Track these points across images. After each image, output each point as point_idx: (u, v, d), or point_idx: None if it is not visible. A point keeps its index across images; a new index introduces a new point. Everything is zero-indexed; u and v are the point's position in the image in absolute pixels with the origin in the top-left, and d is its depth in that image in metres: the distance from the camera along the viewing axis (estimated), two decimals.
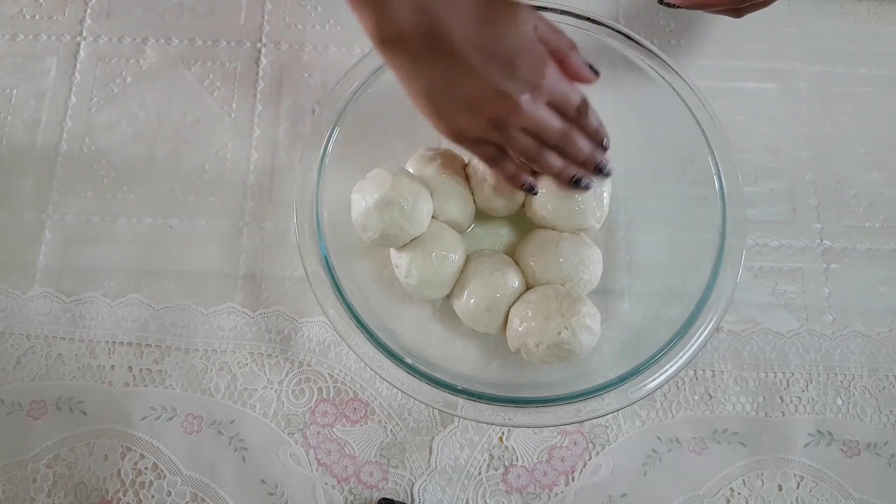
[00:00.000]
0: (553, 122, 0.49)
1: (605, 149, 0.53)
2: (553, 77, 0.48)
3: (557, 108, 0.49)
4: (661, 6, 0.63)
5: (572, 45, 0.49)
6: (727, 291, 0.52)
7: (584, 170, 0.53)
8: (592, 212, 0.56)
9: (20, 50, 0.66)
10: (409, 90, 0.47)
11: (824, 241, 0.62)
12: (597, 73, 0.51)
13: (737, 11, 0.60)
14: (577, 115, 0.50)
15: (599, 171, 0.53)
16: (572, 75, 0.50)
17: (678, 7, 0.61)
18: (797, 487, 0.55)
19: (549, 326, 0.51)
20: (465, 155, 0.59)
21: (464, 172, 0.57)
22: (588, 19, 0.58)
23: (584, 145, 0.52)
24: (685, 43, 0.67)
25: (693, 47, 0.67)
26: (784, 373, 0.58)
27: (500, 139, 0.49)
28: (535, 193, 0.55)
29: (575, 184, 0.53)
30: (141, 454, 0.55)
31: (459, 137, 0.49)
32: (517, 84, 0.46)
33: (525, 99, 0.47)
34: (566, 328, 0.51)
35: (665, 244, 0.60)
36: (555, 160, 0.51)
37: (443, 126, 0.48)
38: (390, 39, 0.45)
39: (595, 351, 0.53)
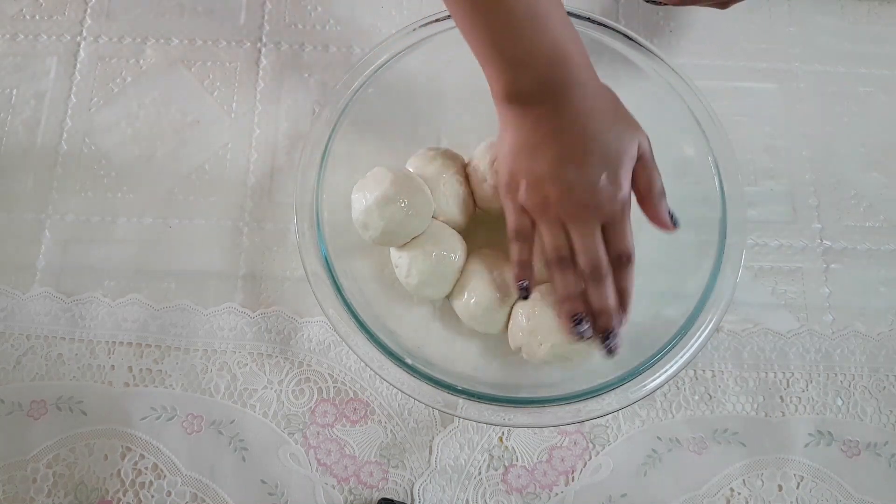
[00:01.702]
0: (601, 250, 0.47)
1: (619, 323, 0.48)
2: (625, 209, 0.48)
3: (609, 240, 0.47)
4: (650, 4, 0.62)
5: (663, 192, 0.49)
6: (727, 291, 0.52)
7: (592, 319, 0.48)
8: None
9: (20, 50, 0.66)
10: (500, 143, 0.49)
11: (824, 241, 0.62)
12: (677, 225, 0.49)
13: (723, 4, 0.59)
14: (617, 262, 0.48)
15: (605, 337, 0.48)
16: (653, 218, 0.49)
17: (665, 4, 0.61)
18: (797, 487, 0.55)
19: (558, 325, 0.51)
20: (466, 155, 0.59)
21: (464, 172, 0.57)
22: (588, 19, 0.58)
23: (610, 296, 0.48)
24: (685, 43, 0.67)
25: (693, 47, 0.67)
26: (784, 373, 0.58)
27: (542, 222, 0.48)
28: (525, 297, 0.50)
29: (575, 322, 0.48)
30: (141, 454, 0.55)
31: (512, 196, 0.49)
32: (599, 189, 0.46)
33: (594, 206, 0.46)
34: None
35: (665, 244, 0.59)
36: (571, 282, 0.48)
37: (511, 178, 0.49)
38: (516, 96, 0.46)
39: (595, 351, 0.53)
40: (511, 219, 0.50)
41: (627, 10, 0.68)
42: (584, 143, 0.46)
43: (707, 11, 0.67)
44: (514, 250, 0.51)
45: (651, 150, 0.49)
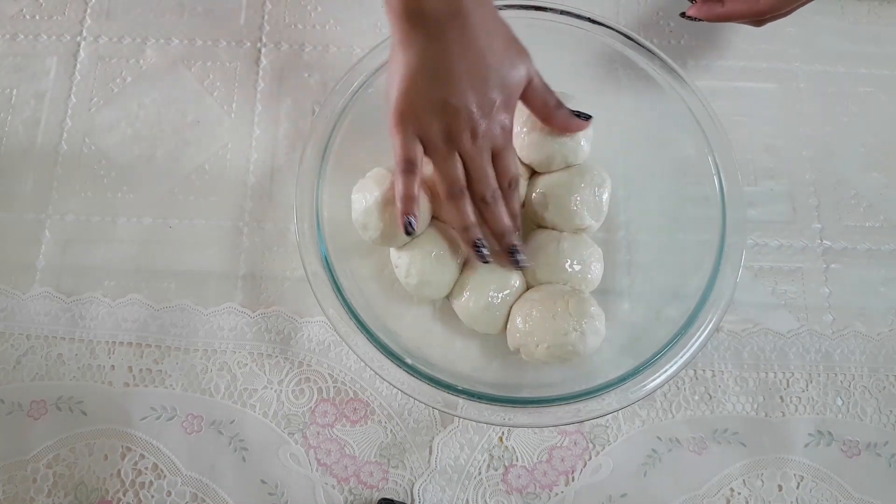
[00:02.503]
0: (490, 173, 0.49)
1: (519, 239, 0.51)
2: (510, 139, 0.49)
3: (499, 168, 0.49)
4: (682, 18, 0.63)
5: (559, 103, 0.51)
6: (727, 291, 0.52)
7: (493, 241, 0.50)
8: (591, 212, 0.56)
9: (20, 50, 0.66)
10: (398, 66, 0.46)
11: (824, 241, 0.62)
12: (589, 117, 0.51)
13: (758, 22, 0.60)
14: (507, 188, 0.49)
15: (511, 254, 0.50)
16: (563, 128, 0.51)
17: (699, 20, 0.61)
18: (797, 487, 0.55)
19: (556, 326, 0.51)
20: None
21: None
22: (588, 19, 0.58)
23: (505, 217, 0.50)
24: (685, 43, 0.67)
25: (693, 47, 0.67)
26: (784, 373, 0.58)
27: (438, 150, 0.48)
28: (409, 233, 0.50)
29: (477, 249, 0.50)
30: (141, 454, 0.55)
31: (407, 123, 0.47)
32: (487, 119, 0.46)
33: (485, 133, 0.47)
34: (575, 329, 0.51)
35: (665, 244, 0.60)
36: (470, 211, 0.49)
37: (403, 104, 0.47)
38: (411, 11, 0.44)
39: (595, 351, 0.53)
40: (401, 149, 0.48)
41: (627, 10, 0.68)
42: (485, 68, 0.46)
43: None
44: (401, 183, 0.49)
45: (538, 73, 0.49)
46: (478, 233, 0.51)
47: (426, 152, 0.49)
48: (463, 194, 0.49)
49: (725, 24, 0.68)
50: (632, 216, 0.61)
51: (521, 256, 0.51)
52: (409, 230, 0.50)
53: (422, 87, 0.46)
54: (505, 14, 0.57)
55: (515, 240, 0.51)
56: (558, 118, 0.51)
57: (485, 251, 0.50)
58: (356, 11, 0.68)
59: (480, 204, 0.50)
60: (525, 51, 0.48)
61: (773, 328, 0.59)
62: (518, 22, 0.58)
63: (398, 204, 0.50)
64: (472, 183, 0.49)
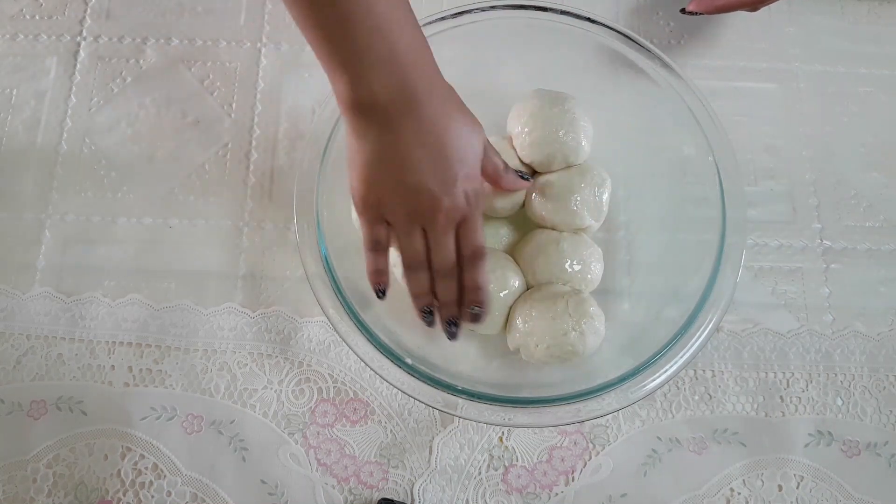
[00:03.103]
0: (453, 248, 0.49)
1: (475, 319, 0.51)
2: (479, 206, 0.49)
3: (462, 238, 0.50)
4: (682, 14, 0.63)
5: (506, 166, 0.52)
6: (727, 291, 0.52)
7: (441, 307, 0.52)
8: (591, 212, 0.56)
9: (20, 50, 0.66)
10: (355, 155, 0.47)
11: (824, 241, 0.62)
12: (528, 179, 0.55)
13: (754, 6, 0.60)
14: (472, 258, 0.50)
15: (448, 324, 0.52)
16: (509, 188, 0.53)
17: (700, 14, 0.61)
18: (797, 487, 0.55)
19: (555, 326, 0.51)
20: None
21: None
22: (588, 19, 0.58)
23: (453, 291, 0.51)
24: (685, 43, 0.67)
25: (693, 47, 0.67)
26: (784, 373, 0.58)
27: (400, 230, 0.49)
28: (380, 298, 0.52)
29: (424, 314, 0.52)
30: (141, 454, 0.55)
31: (368, 210, 0.49)
32: (450, 198, 0.47)
33: (447, 213, 0.47)
34: (574, 329, 0.51)
35: (665, 244, 0.60)
36: (424, 281, 0.51)
37: (366, 193, 0.48)
38: (361, 105, 0.45)
39: (595, 351, 0.53)
40: (367, 231, 0.50)
41: (627, 10, 0.68)
42: (443, 150, 0.46)
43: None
44: (369, 259, 0.51)
45: (486, 138, 0.50)
46: (426, 301, 0.51)
47: (391, 227, 0.50)
48: (420, 267, 0.50)
49: (725, 23, 0.68)
50: (632, 216, 0.61)
51: (454, 329, 0.52)
52: (379, 296, 0.52)
53: (380, 174, 0.47)
54: (505, 14, 0.58)
55: (454, 313, 0.51)
56: (507, 180, 0.53)
57: (430, 318, 0.52)
58: None
59: (436, 275, 0.51)
60: (477, 122, 0.49)
61: (773, 328, 0.59)
62: (518, 22, 0.58)
63: (369, 276, 0.51)
64: (431, 256, 0.50)
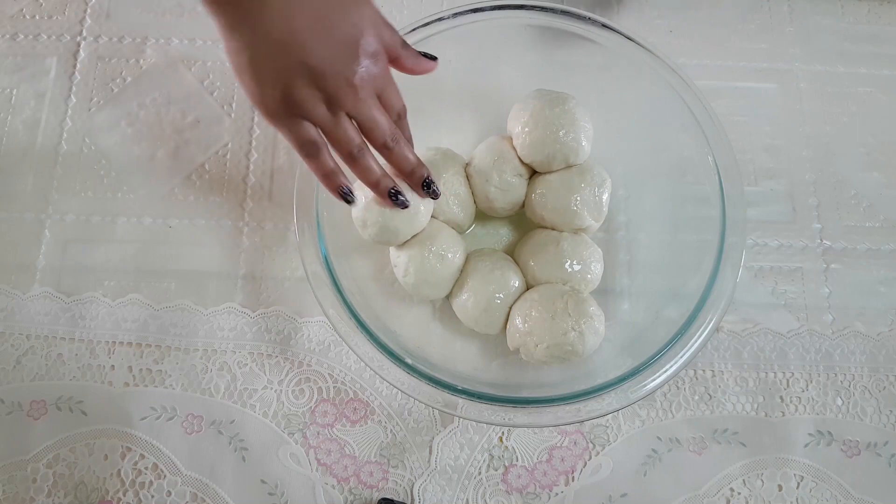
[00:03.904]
0: (382, 118, 0.45)
1: (425, 167, 0.49)
2: (387, 71, 0.45)
3: (386, 106, 0.46)
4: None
5: (404, 43, 0.47)
6: (727, 291, 0.52)
7: (404, 182, 0.50)
8: (591, 212, 0.56)
9: (20, 50, 0.66)
10: (230, 47, 0.42)
11: (824, 241, 0.62)
12: (434, 58, 0.48)
13: None
14: (398, 120, 0.47)
15: (427, 186, 0.49)
16: (410, 70, 0.48)
17: None
18: (797, 487, 0.55)
19: (554, 326, 0.51)
20: (466, 155, 0.59)
21: (464, 172, 0.57)
22: (588, 19, 0.58)
23: (409, 153, 0.48)
24: (685, 43, 0.67)
25: (693, 47, 0.67)
26: (784, 373, 0.58)
27: (324, 121, 0.44)
28: (351, 202, 0.49)
29: (393, 198, 0.49)
30: (141, 454, 0.55)
31: (280, 111, 0.44)
32: (358, 66, 0.43)
33: (362, 81, 0.43)
34: (574, 329, 0.51)
35: (665, 244, 0.60)
36: (374, 165, 0.48)
37: (265, 92, 0.43)
38: None
39: (595, 351, 0.53)
40: (290, 136, 0.45)
41: (627, 9, 0.68)
42: (328, 16, 0.42)
43: (707, 12, 0.67)
44: (312, 167, 0.47)
45: (379, 12, 0.46)
46: (389, 182, 0.49)
47: (313, 124, 0.45)
48: (362, 152, 0.46)
49: (725, 23, 0.68)
50: (632, 216, 0.61)
51: (435, 186, 0.50)
52: (348, 199, 0.49)
53: (272, 65, 0.42)
54: (505, 14, 0.58)
55: (424, 171, 0.49)
56: (407, 57, 0.47)
57: (402, 197, 0.49)
58: None
59: (382, 150, 0.47)
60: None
61: (773, 328, 0.59)
62: (518, 22, 0.58)
63: (322, 184, 0.48)
64: (368, 134, 0.46)
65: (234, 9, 0.40)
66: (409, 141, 0.50)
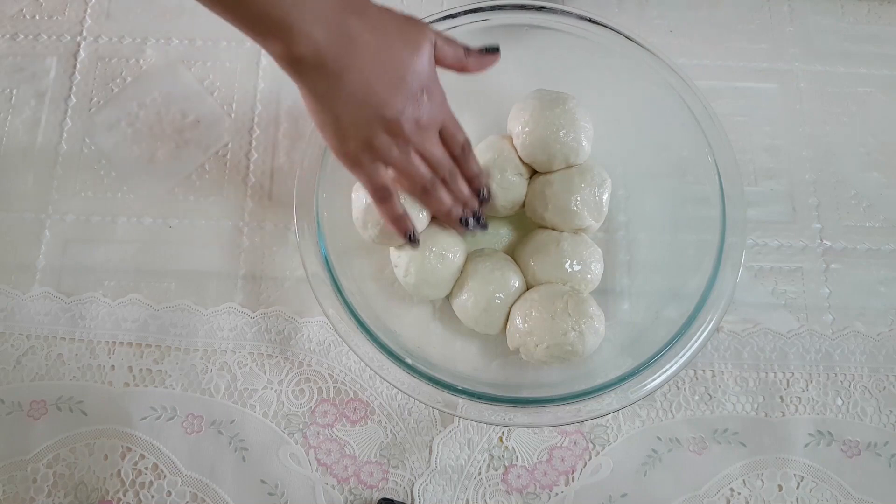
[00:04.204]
0: (444, 154, 0.50)
1: (485, 200, 0.54)
2: (447, 108, 0.50)
3: (447, 140, 0.50)
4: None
5: (468, 50, 0.50)
6: (727, 291, 0.52)
7: (464, 210, 0.53)
8: (591, 212, 0.56)
9: (20, 50, 0.66)
10: (315, 108, 0.46)
11: (824, 241, 0.62)
12: (497, 49, 0.51)
13: None
14: (461, 153, 0.51)
15: (477, 219, 0.54)
16: (476, 68, 0.51)
17: None
18: (797, 487, 0.55)
19: (554, 326, 0.51)
20: None
21: None
22: (588, 20, 0.58)
23: (464, 187, 0.53)
24: (685, 43, 0.67)
25: (693, 47, 0.67)
26: (784, 373, 0.58)
27: (399, 162, 0.48)
28: (416, 245, 0.53)
29: (465, 224, 0.53)
30: (141, 454, 0.55)
31: (361, 158, 0.48)
32: (419, 106, 0.47)
33: (429, 122, 0.48)
34: (573, 329, 0.51)
35: (665, 244, 0.60)
36: (446, 197, 0.52)
37: (347, 145, 0.47)
38: (305, 59, 0.43)
39: (595, 351, 0.53)
40: (367, 181, 0.50)
41: (627, 10, 0.68)
42: (394, 67, 0.45)
43: (707, 12, 0.67)
44: (382, 210, 0.51)
45: (438, 33, 0.49)
46: (457, 213, 0.53)
47: (390, 166, 0.49)
48: (434, 185, 0.51)
49: (725, 23, 0.68)
50: (632, 216, 0.61)
51: (484, 220, 0.54)
52: (413, 240, 0.52)
53: (351, 120, 0.46)
54: (506, 14, 0.58)
55: (476, 204, 0.54)
56: (472, 63, 0.51)
57: (471, 222, 0.54)
58: None
59: (445, 184, 0.52)
60: (418, 23, 0.48)
61: (773, 328, 0.59)
62: (518, 22, 0.58)
63: (392, 227, 0.52)
64: (433, 170, 0.51)
65: (318, 76, 0.44)
66: (472, 171, 0.53)
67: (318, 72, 0.44)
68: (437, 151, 0.50)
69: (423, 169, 0.50)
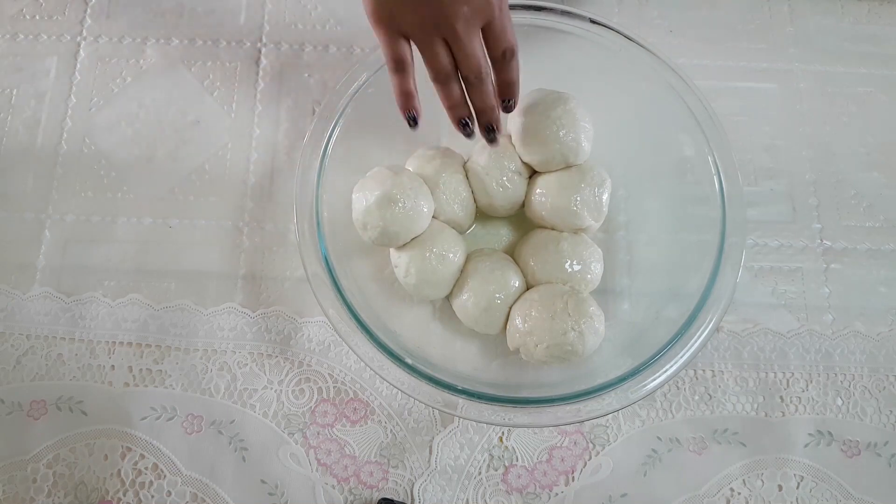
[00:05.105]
0: (480, 53, 0.48)
1: (507, 109, 0.52)
2: (503, 9, 0.47)
3: (490, 40, 0.48)
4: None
5: (513, 52, 0.49)
6: (727, 291, 0.52)
7: (476, 116, 0.51)
8: (591, 212, 0.56)
9: (20, 50, 0.66)
10: None
11: (824, 241, 0.62)
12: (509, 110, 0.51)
13: None
14: (502, 59, 0.49)
15: (489, 131, 0.51)
16: (504, 84, 0.50)
17: None
18: (797, 487, 0.55)
19: (554, 326, 0.51)
20: (465, 154, 0.59)
21: (464, 171, 0.57)
22: (588, 20, 0.58)
23: (489, 95, 0.50)
24: (685, 43, 0.67)
25: (693, 47, 0.67)
26: (784, 373, 0.58)
27: (421, 43, 0.47)
28: (413, 126, 0.51)
29: (462, 126, 0.51)
30: (141, 454, 0.55)
31: (382, 24, 0.47)
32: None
33: (471, 12, 0.46)
34: (573, 329, 0.51)
35: (665, 244, 0.60)
36: (457, 91, 0.50)
37: (374, 4, 0.46)
38: None
39: (595, 351, 0.53)
40: (386, 49, 0.48)
41: (627, 10, 0.68)
42: None
43: (707, 12, 0.67)
44: (395, 81, 0.50)
45: None
46: (461, 112, 0.51)
47: (411, 41, 0.48)
48: (449, 78, 0.49)
49: (725, 23, 0.68)
50: (632, 216, 0.61)
51: (494, 135, 0.52)
52: (411, 123, 0.50)
53: None
54: None
55: (494, 117, 0.51)
56: (506, 71, 0.50)
57: (468, 129, 0.51)
58: (356, 11, 0.67)
59: (466, 84, 0.50)
60: None
61: (773, 328, 0.59)
62: (518, 21, 0.58)
63: (397, 101, 0.50)
64: (459, 62, 0.48)
65: None
66: (510, 82, 0.50)
67: None
68: (470, 48, 0.47)
69: (442, 59, 0.48)
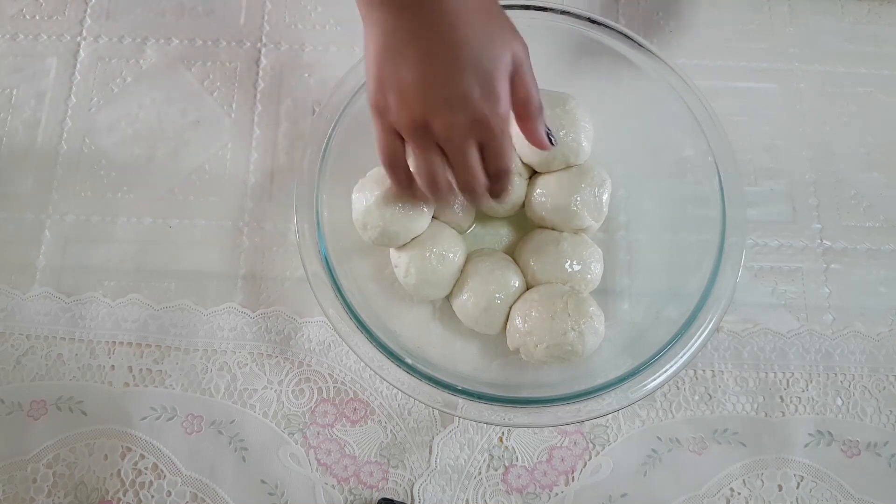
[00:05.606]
0: (475, 170, 0.44)
1: (495, 194, 0.48)
2: (505, 125, 0.43)
3: (485, 159, 0.44)
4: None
5: (541, 108, 0.45)
6: (727, 291, 0.52)
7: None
8: (591, 212, 0.56)
9: (20, 50, 0.66)
10: (367, 45, 0.42)
11: (824, 241, 0.62)
12: (554, 143, 0.47)
13: None
14: (496, 180, 0.45)
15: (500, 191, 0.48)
16: (530, 135, 0.46)
17: None
18: (797, 487, 0.55)
19: (554, 326, 0.51)
20: None
21: None
22: (588, 19, 0.58)
23: (479, 197, 0.47)
24: (685, 43, 0.67)
25: (693, 47, 0.67)
26: (784, 373, 0.58)
27: (413, 146, 0.44)
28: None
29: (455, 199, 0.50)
30: (141, 454, 0.55)
31: (377, 114, 0.44)
32: (472, 104, 0.41)
33: (467, 125, 0.42)
34: (573, 329, 0.51)
35: (665, 244, 0.60)
36: (451, 200, 0.50)
37: (373, 91, 0.43)
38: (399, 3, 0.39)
39: (595, 351, 0.53)
40: (379, 140, 0.45)
41: (627, 10, 0.68)
42: (452, 46, 0.40)
43: (707, 11, 0.67)
44: (391, 178, 0.48)
45: (528, 59, 0.43)
46: (451, 202, 0.51)
47: (404, 139, 0.44)
48: (438, 189, 0.46)
49: (725, 23, 0.68)
50: (632, 216, 0.61)
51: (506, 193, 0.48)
52: (442, 199, 0.48)
53: (389, 70, 0.41)
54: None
55: (479, 195, 0.47)
56: (534, 125, 0.45)
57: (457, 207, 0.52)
58: (356, 11, 0.67)
59: (463, 195, 0.47)
60: (512, 28, 0.43)
61: (773, 328, 0.59)
62: (518, 21, 0.58)
63: (407, 196, 0.49)
64: (454, 176, 0.45)
65: (386, 4, 0.41)
66: (502, 191, 0.47)
67: (390, 9, 0.40)
68: (468, 167, 0.44)
69: (435, 169, 0.44)
